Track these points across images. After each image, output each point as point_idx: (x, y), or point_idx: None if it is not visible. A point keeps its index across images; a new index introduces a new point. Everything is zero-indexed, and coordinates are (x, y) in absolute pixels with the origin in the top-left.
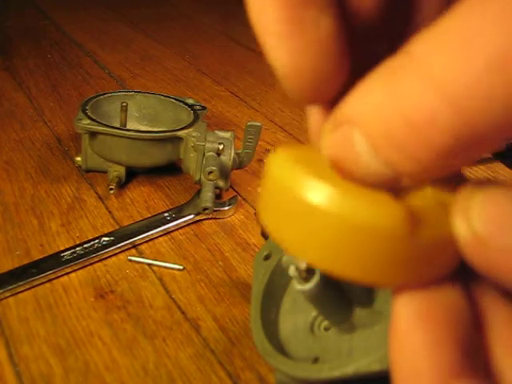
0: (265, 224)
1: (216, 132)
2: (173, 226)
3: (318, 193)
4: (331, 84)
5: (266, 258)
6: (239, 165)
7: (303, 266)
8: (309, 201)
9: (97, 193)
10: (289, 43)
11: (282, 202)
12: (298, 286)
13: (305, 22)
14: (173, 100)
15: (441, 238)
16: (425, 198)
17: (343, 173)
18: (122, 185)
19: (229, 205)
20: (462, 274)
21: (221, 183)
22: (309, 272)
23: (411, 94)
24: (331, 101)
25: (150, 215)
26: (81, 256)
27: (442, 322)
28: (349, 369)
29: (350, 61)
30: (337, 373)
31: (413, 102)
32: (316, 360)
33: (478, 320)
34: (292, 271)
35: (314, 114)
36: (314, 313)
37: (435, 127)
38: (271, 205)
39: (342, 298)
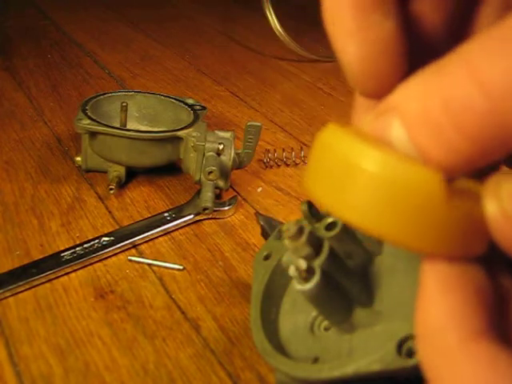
0: (314, 193)
1: (216, 132)
2: (173, 226)
3: (370, 157)
4: (389, 79)
5: (266, 258)
6: (239, 165)
7: (303, 265)
8: (361, 164)
9: (97, 193)
10: (357, 39)
11: (336, 168)
12: (297, 286)
13: (372, 23)
14: (173, 100)
15: (472, 214)
16: (455, 182)
17: None
18: (122, 185)
19: (229, 205)
20: (487, 262)
21: (221, 183)
22: (309, 272)
23: (453, 84)
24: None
25: (150, 215)
26: (81, 256)
27: (470, 290)
28: (349, 369)
29: (408, 60)
30: (337, 373)
31: (453, 91)
32: (316, 360)
33: (501, 300)
34: (292, 271)
35: (360, 103)
36: (314, 313)
37: (472, 115)
38: (323, 173)
39: (342, 297)
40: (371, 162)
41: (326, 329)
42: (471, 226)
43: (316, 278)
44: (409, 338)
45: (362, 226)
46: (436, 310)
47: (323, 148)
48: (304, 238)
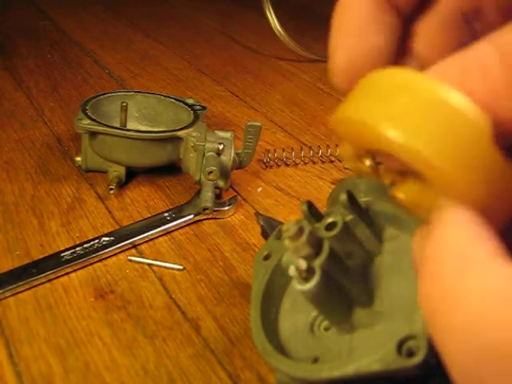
0: (361, 115)
1: (216, 132)
2: (173, 226)
3: (435, 84)
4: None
5: (266, 258)
6: (239, 165)
7: (303, 265)
8: (423, 87)
9: (97, 193)
10: (352, 42)
11: (396, 91)
12: (298, 286)
13: (369, 32)
14: (173, 100)
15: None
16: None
17: None
18: (121, 185)
19: (229, 205)
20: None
21: (221, 183)
22: (309, 272)
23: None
24: None
25: (150, 215)
26: (81, 256)
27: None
28: (349, 369)
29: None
30: (337, 373)
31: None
32: (316, 360)
33: None
34: (292, 271)
35: None
36: (314, 313)
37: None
38: (376, 96)
39: (342, 297)
40: (434, 87)
41: (326, 329)
42: (507, 183)
43: (316, 278)
44: (409, 337)
45: (405, 143)
46: (462, 229)
47: (379, 77)
48: (304, 238)
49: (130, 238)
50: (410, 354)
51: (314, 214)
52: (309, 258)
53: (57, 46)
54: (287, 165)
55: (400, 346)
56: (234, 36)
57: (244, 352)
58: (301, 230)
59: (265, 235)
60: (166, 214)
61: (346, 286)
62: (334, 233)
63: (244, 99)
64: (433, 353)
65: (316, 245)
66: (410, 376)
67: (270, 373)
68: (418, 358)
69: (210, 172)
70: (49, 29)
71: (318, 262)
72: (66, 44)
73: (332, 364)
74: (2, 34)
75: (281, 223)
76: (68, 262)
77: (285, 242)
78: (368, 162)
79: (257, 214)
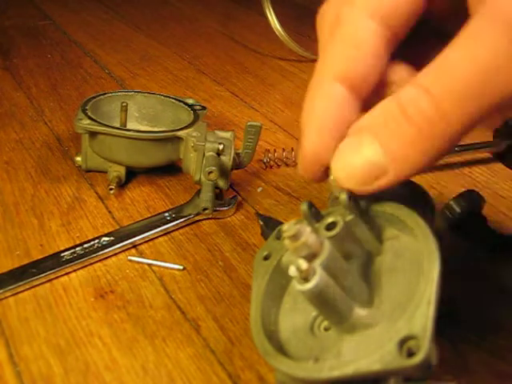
0: None
1: (216, 132)
2: (173, 226)
3: None
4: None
5: (266, 258)
6: (239, 165)
7: (303, 265)
8: None
9: (97, 193)
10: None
11: None
12: (297, 286)
13: (332, 132)
14: (173, 100)
15: None
16: None
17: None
18: (121, 185)
19: (229, 205)
20: None
21: (221, 183)
22: (309, 272)
23: (408, 96)
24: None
25: (150, 215)
26: (81, 256)
27: None
28: (349, 369)
29: None
30: (337, 372)
31: (409, 101)
32: (316, 360)
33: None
34: (292, 271)
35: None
36: (313, 313)
37: (422, 118)
38: None
39: (342, 298)
40: None
41: (326, 329)
42: None
43: (316, 278)
44: (409, 337)
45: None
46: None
47: None
48: (304, 238)
49: (130, 238)
50: (411, 353)
51: (314, 213)
52: (309, 258)
53: (57, 46)
54: (287, 165)
55: (400, 345)
56: (234, 36)
57: (244, 352)
58: (301, 230)
59: (265, 235)
60: (166, 214)
61: (346, 286)
62: (333, 233)
63: (244, 99)
64: (435, 353)
65: (316, 245)
66: (410, 376)
67: (270, 373)
68: (418, 358)
69: (210, 172)
70: (49, 29)
71: (317, 262)
72: (66, 44)
73: (332, 364)
74: (2, 34)
75: (281, 223)
76: (68, 261)
77: (285, 242)
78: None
79: (257, 214)
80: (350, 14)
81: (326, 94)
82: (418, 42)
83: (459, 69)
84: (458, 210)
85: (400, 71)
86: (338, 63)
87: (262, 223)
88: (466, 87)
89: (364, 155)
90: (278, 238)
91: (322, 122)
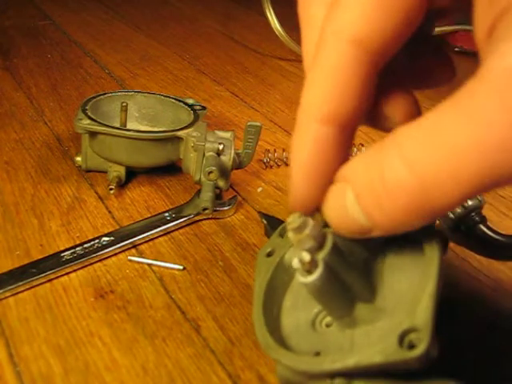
0: None
1: (216, 132)
2: (173, 226)
3: None
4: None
5: (269, 254)
6: (239, 165)
7: (307, 258)
8: None
9: (97, 193)
10: (308, 185)
11: None
12: (300, 279)
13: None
14: (173, 100)
15: None
16: None
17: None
18: (121, 185)
19: (229, 205)
20: None
21: (221, 183)
22: (312, 264)
23: (389, 165)
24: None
25: (150, 215)
26: (81, 256)
27: None
28: (350, 361)
29: None
30: (338, 365)
31: (389, 171)
32: (317, 354)
33: None
34: (295, 263)
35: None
36: (315, 309)
37: (403, 191)
38: None
39: (344, 292)
40: None
41: (328, 325)
42: None
43: (319, 271)
44: (411, 330)
45: None
46: None
47: None
48: (308, 230)
49: (130, 238)
50: (412, 346)
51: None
52: (312, 251)
53: (57, 46)
54: (287, 165)
55: (401, 338)
56: (234, 36)
57: (244, 352)
58: (305, 223)
59: (268, 235)
60: (166, 214)
61: (349, 280)
62: None
63: (244, 99)
64: (435, 346)
65: (320, 238)
66: (410, 370)
67: (270, 373)
68: (419, 350)
69: (210, 172)
70: (49, 29)
71: (321, 255)
72: (66, 44)
73: (333, 357)
74: (2, 34)
75: (283, 222)
76: (68, 261)
77: (288, 234)
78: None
79: (260, 213)
80: (329, 37)
81: (311, 138)
82: (416, 53)
83: (452, 142)
84: (457, 209)
85: (393, 102)
86: (321, 103)
87: (265, 222)
88: (459, 165)
89: (349, 213)
90: (282, 235)
91: (309, 169)
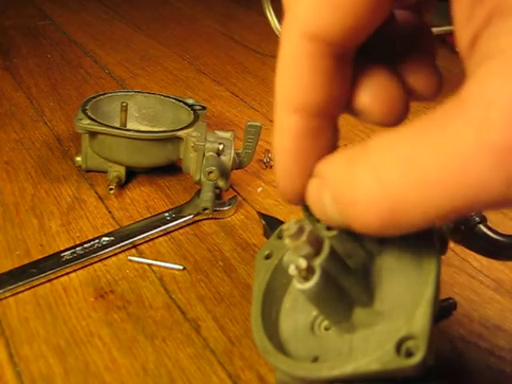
0: None
1: (216, 132)
2: (173, 226)
3: None
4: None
5: (267, 257)
6: (239, 165)
7: (303, 264)
8: None
9: (97, 193)
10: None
11: None
12: (297, 285)
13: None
14: (173, 100)
15: None
16: None
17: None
18: (121, 185)
19: (229, 205)
20: None
21: (221, 183)
22: (309, 271)
23: (360, 177)
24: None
25: (150, 215)
26: (81, 256)
27: None
28: (348, 368)
29: None
30: (336, 371)
31: (359, 183)
32: (316, 359)
33: None
34: (292, 270)
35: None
36: (314, 312)
37: (372, 204)
38: None
39: (342, 297)
40: None
41: (326, 328)
42: None
43: (316, 277)
44: (408, 337)
45: None
46: None
47: None
48: (304, 236)
49: (130, 238)
50: (409, 354)
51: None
52: (309, 257)
53: (57, 46)
54: None
55: (399, 345)
56: (233, 36)
57: (244, 352)
58: (301, 229)
59: (267, 235)
60: (166, 214)
61: (346, 285)
62: (334, 233)
63: (244, 99)
64: (432, 353)
65: (316, 244)
66: (408, 377)
67: (270, 373)
68: (416, 359)
69: (210, 172)
70: (49, 29)
71: (318, 262)
72: (66, 44)
73: (331, 363)
74: (2, 34)
75: (283, 223)
76: (68, 261)
77: (285, 241)
78: None
79: (259, 213)
80: (287, 30)
81: (285, 128)
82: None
83: (423, 169)
84: None
85: (364, 93)
86: (291, 93)
87: (264, 223)
88: (427, 193)
89: (327, 210)
90: (280, 237)
91: (288, 160)
